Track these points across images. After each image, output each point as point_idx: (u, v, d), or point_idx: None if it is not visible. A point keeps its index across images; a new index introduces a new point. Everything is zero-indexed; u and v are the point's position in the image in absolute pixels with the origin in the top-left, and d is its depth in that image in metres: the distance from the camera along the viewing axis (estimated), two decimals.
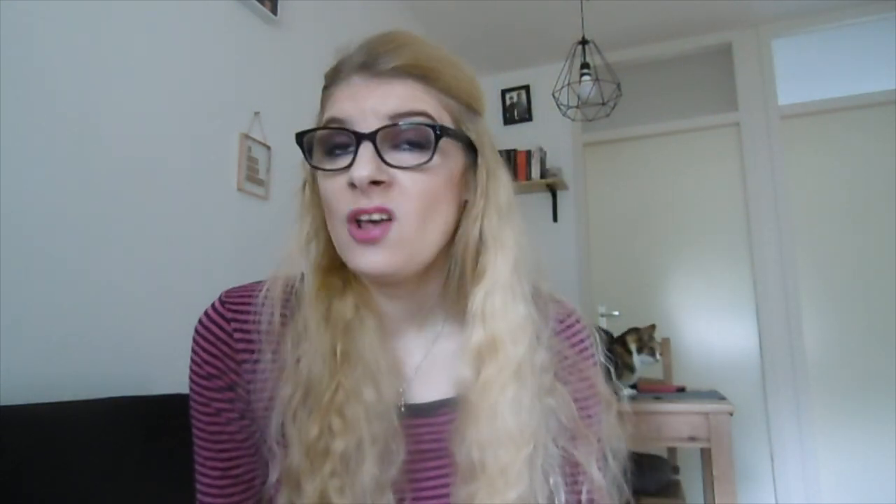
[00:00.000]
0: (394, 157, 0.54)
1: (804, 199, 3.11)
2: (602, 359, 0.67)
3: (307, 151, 0.58)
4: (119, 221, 1.38)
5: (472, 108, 0.60)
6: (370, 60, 0.55)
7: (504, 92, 3.66)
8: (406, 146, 0.55)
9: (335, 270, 0.60)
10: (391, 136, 0.54)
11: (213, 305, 0.62)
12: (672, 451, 2.68)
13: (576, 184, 3.46)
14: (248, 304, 0.61)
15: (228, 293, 0.63)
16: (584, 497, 0.60)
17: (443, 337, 0.64)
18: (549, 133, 3.50)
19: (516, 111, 3.64)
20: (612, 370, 0.67)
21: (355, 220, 0.54)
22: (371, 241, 0.53)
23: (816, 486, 2.90)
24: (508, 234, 0.60)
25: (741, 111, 3.25)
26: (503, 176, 0.62)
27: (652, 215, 3.38)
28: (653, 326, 2.18)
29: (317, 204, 0.61)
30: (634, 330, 2.17)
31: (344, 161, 0.54)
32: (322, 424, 0.55)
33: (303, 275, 0.61)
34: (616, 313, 2.87)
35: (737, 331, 3.16)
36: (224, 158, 1.75)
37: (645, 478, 2.24)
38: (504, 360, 0.56)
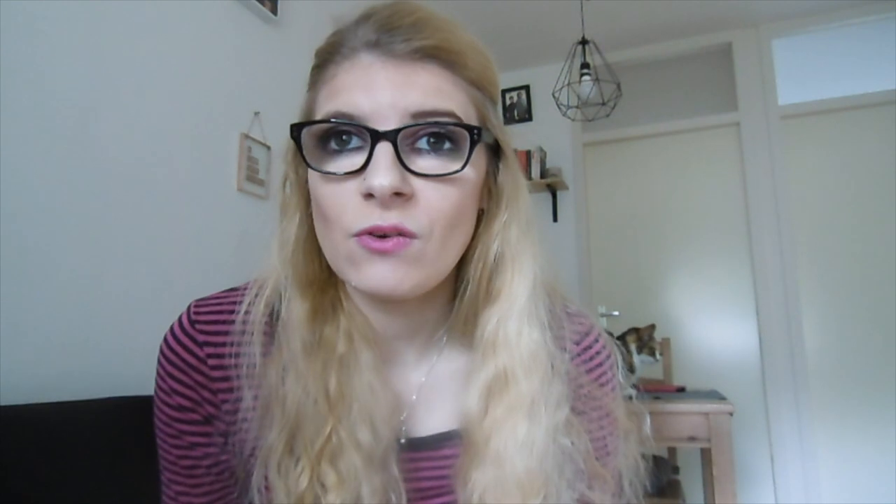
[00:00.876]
0: (418, 163, 0.45)
1: (804, 199, 3.11)
2: (622, 380, 0.59)
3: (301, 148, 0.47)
4: (119, 221, 1.38)
5: (494, 100, 0.52)
6: (384, 37, 0.45)
7: (504, 92, 3.66)
8: (431, 150, 0.45)
9: (323, 288, 0.52)
10: (413, 136, 0.45)
11: (180, 323, 0.53)
12: (672, 451, 2.68)
13: (576, 184, 3.46)
14: (224, 323, 0.52)
15: (199, 309, 0.53)
16: None
17: (443, 358, 0.56)
18: (549, 133, 3.50)
19: (516, 111, 3.64)
20: (633, 395, 0.60)
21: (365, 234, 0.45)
22: (383, 252, 0.44)
23: (816, 486, 2.89)
24: (528, 252, 0.52)
25: (741, 111, 3.25)
26: (524, 180, 0.54)
27: (652, 215, 3.38)
28: (653, 326, 2.18)
29: (300, 206, 0.52)
30: (634, 330, 2.17)
31: (350, 163, 0.44)
32: (312, 475, 0.47)
33: (284, 293, 0.52)
34: (616, 313, 2.86)
35: (737, 331, 3.16)
36: (224, 158, 1.75)
37: (645, 478, 2.24)
38: (516, 396, 0.49)
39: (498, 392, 0.50)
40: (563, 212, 3.46)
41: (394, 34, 0.45)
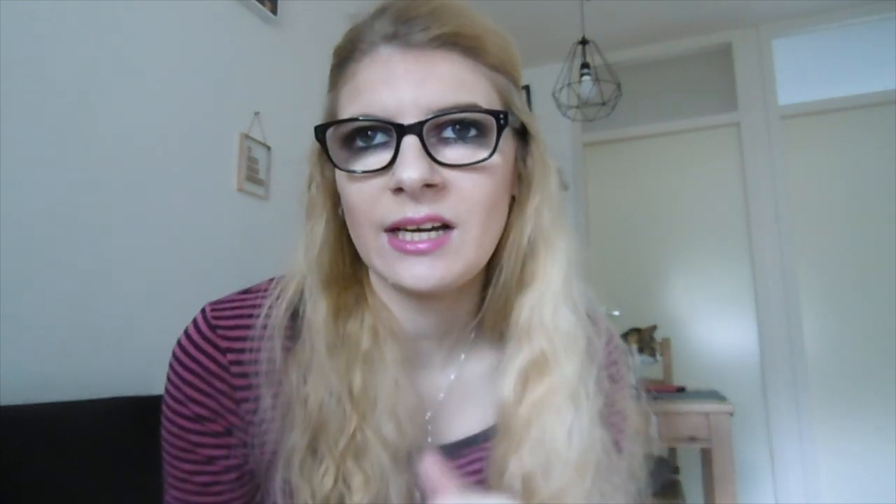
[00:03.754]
0: (446, 153, 0.44)
1: (804, 199, 3.11)
2: (633, 381, 0.59)
3: (327, 149, 0.46)
4: (119, 221, 1.38)
5: (517, 83, 0.50)
6: (402, 28, 0.44)
7: None
8: (458, 139, 0.44)
9: (346, 285, 0.50)
10: (438, 126, 0.44)
11: (198, 329, 0.50)
12: (672, 451, 2.68)
13: (576, 184, 3.46)
14: (245, 328, 0.49)
15: (217, 312, 0.50)
16: None
17: (471, 359, 0.54)
18: (549, 133, 3.41)
19: None
20: (644, 393, 0.59)
21: (396, 229, 0.44)
22: (421, 253, 0.43)
23: (816, 486, 2.89)
24: (561, 236, 0.51)
25: (741, 111, 3.25)
26: (553, 163, 0.52)
27: (652, 215, 3.38)
28: (654, 327, 2.18)
29: (327, 207, 0.51)
30: (636, 330, 2.17)
31: (377, 160, 0.44)
32: (337, 475, 0.45)
33: (307, 292, 0.50)
34: (616, 313, 2.86)
35: (737, 331, 3.16)
36: (224, 158, 1.75)
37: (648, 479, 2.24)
38: (558, 378, 0.47)
39: (536, 376, 0.48)
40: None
41: (411, 24, 0.44)
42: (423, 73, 0.43)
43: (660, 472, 2.34)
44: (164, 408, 0.51)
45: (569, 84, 2.59)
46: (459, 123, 0.44)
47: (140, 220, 1.44)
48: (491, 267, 0.51)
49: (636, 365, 2.10)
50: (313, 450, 0.46)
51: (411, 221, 0.43)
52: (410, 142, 0.42)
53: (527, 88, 3.61)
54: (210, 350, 0.49)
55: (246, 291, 0.53)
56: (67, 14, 1.29)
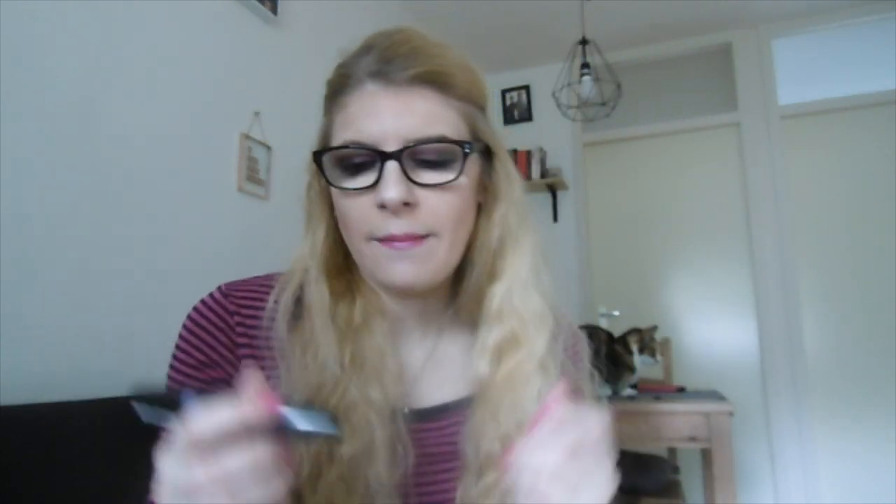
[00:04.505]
0: (420, 175, 0.53)
1: (804, 199, 3.11)
2: (590, 364, 0.66)
3: (323, 170, 0.55)
4: (119, 221, 1.38)
5: (483, 108, 0.59)
6: (384, 67, 0.52)
7: (504, 92, 3.66)
8: (430, 163, 0.53)
9: (342, 274, 0.59)
10: (415, 154, 0.53)
11: (212, 296, 0.58)
12: (672, 451, 2.68)
13: (576, 184, 3.46)
14: (253, 300, 0.58)
15: (229, 285, 0.60)
16: None
17: (446, 338, 0.63)
18: (549, 133, 3.50)
19: (516, 111, 3.64)
20: (596, 375, 0.66)
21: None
22: (401, 249, 0.52)
23: (816, 487, 2.89)
24: (526, 234, 0.59)
25: (741, 111, 3.25)
26: (516, 173, 0.61)
27: (652, 215, 3.38)
28: (654, 327, 2.18)
29: (325, 210, 0.59)
30: (636, 330, 2.17)
31: (365, 179, 0.53)
32: None
33: (307, 280, 0.58)
34: (616, 313, 2.86)
35: (737, 331, 3.16)
36: (224, 158, 1.75)
37: (645, 478, 2.24)
38: (528, 352, 0.56)
39: (509, 351, 0.56)
40: (563, 212, 3.47)
41: (392, 63, 0.52)
42: (402, 107, 0.52)
43: (660, 472, 2.34)
44: (172, 360, 0.57)
45: (569, 84, 2.59)
46: (434, 160, 0.53)
47: (140, 220, 1.44)
48: (464, 264, 0.60)
49: (636, 364, 2.10)
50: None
51: (394, 237, 0.52)
52: (392, 166, 0.51)
53: (527, 88, 3.62)
54: (219, 310, 0.57)
55: (255, 277, 0.62)
56: (68, 14, 1.29)
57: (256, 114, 1.87)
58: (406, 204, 0.52)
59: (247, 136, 1.82)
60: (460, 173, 0.53)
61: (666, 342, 2.77)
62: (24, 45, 1.19)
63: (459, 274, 0.60)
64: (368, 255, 0.54)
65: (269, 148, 1.91)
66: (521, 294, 0.57)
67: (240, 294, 0.58)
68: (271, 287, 0.58)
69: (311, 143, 0.59)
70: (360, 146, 0.52)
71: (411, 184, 0.52)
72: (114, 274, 1.36)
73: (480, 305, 0.59)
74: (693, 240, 3.28)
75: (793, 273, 3.05)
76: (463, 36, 3.27)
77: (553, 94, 2.65)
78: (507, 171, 0.60)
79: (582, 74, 2.56)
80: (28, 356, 1.15)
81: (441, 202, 0.53)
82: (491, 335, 0.57)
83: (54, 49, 1.26)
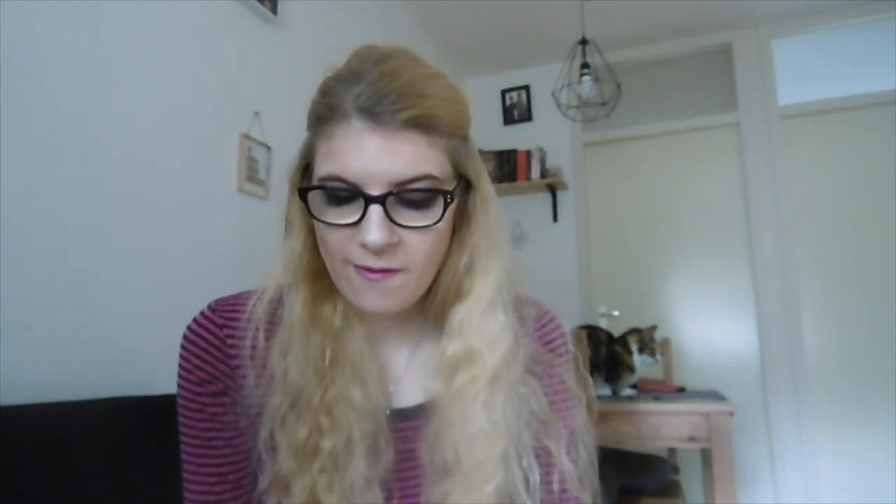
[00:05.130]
0: (402, 215, 0.54)
1: (804, 199, 3.11)
2: (573, 352, 0.69)
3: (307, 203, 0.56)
4: (119, 221, 1.38)
5: (466, 136, 0.60)
6: (374, 106, 0.52)
7: (504, 92, 3.66)
8: (413, 202, 0.54)
9: (322, 277, 0.60)
10: (399, 195, 0.54)
11: (202, 314, 0.63)
12: (672, 451, 2.68)
13: (576, 184, 3.46)
14: (239, 313, 0.62)
15: (218, 302, 0.63)
16: (555, 486, 0.62)
17: (424, 342, 0.66)
18: (549, 133, 3.50)
19: (516, 111, 3.64)
20: (580, 361, 0.69)
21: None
22: (374, 281, 0.54)
23: (816, 486, 2.89)
24: (495, 260, 0.61)
25: (741, 111, 3.25)
26: (492, 197, 0.62)
27: (652, 215, 3.38)
28: (654, 327, 2.18)
29: (302, 221, 0.60)
30: (636, 330, 2.17)
31: (348, 214, 0.53)
32: (311, 425, 0.56)
33: (290, 286, 0.61)
34: (616, 313, 2.86)
35: (737, 331, 3.16)
36: (224, 158, 1.75)
37: (645, 478, 2.24)
38: (480, 368, 0.58)
39: (464, 366, 0.59)
40: (563, 212, 3.46)
41: (381, 104, 0.51)
42: (389, 150, 0.52)
43: (660, 472, 2.34)
44: (178, 378, 0.62)
45: (569, 84, 2.59)
46: (417, 202, 0.54)
47: (140, 220, 1.44)
48: (435, 280, 0.61)
49: (636, 364, 2.10)
50: (293, 408, 0.57)
51: (370, 269, 0.54)
52: (375, 210, 0.52)
53: (527, 88, 3.62)
54: (210, 326, 0.61)
55: (245, 291, 0.65)
56: (68, 14, 1.29)
57: (256, 114, 1.87)
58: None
59: (247, 137, 1.82)
60: (441, 218, 0.54)
61: (666, 342, 2.76)
62: (24, 45, 1.19)
63: (430, 288, 0.62)
64: (343, 277, 0.56)
65: (268, 148, 1.91)
66: (482, 315, 0.59)
67: (226, 308, 0.62)
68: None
69: (291, 167, 0.63)
70: (345, 183, 0.53)
71: (393, 225, 0.53)
72: (114, 274, 1.36)
73: (444, 320, 0.62)
74: (693, 240, 3.28)
75: (793, 273, 3.05)
76: (463, 36, 3.27)
77: (553, 94, 2.65)
78: (483, 199, 0.61)
79: (582, 74, 2.56)
80: (28, 356, 1.15)
81: (420, 241, 0.54)
82: (448, 350, 0.59)
83: (54, 49, 1.26)
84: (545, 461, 0.62)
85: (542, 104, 3.52)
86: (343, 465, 0.56)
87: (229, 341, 0.61)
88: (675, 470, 2.58)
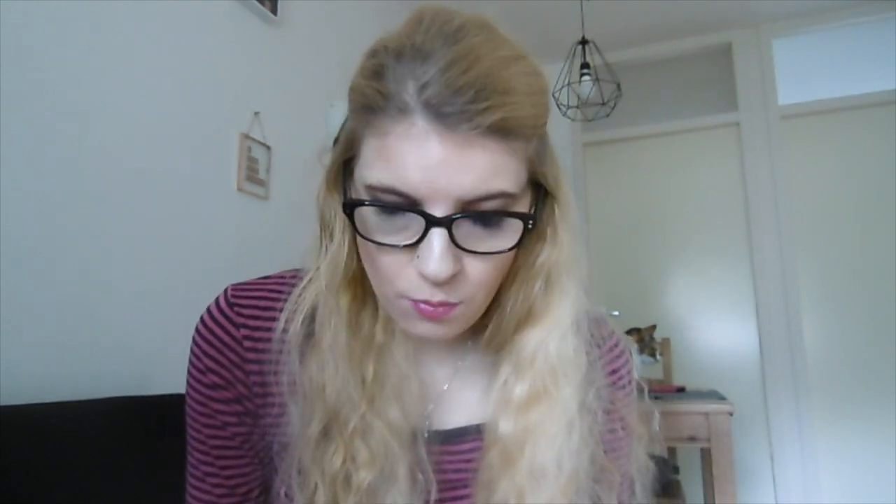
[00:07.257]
0: (468, 238, 0.44)
1: (804, 199, 3.11)
2: (637, 381, 0.62)
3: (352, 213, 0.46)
4: (119, 221, 1.38)
5: (545, 135, 0.51)
6: (444, 105, 0.41)
7: None
8: (481, 222, 0.45)
9: (361, 282, 0.52)
10: (465, 216, 0.44)
11: (218, 305, 0.54)
12: (672, 451, 2.68)
13: (576, 184, 3.46)
14: (262, 309, 0.54)
15: (236, 292, 0.55)
16: None
17: (469, 356, 0.58)
18: (549, 133, 3.49)
19: None
20: (646, 390, 0.61)
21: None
22: (430, 317, 0.47)
23: (816, 486, 2.89)
24: (573, 278, 0.52)
25: (741, 111, 3.25)
26: (572, 206, 0.53)
27: (652, 215, 3.38)
28: (653, 327, 2.18)
29: (342, 227, 0.51)
30: (636, 330, 2.17)
31: (403, 232, 0.44)
32: (346, 454, 0.49)
33: (323, 293, 0.52)
34: (616, 313, 2.86)
35: (737, 331, 3.16)
36: (224, 158, 1.75)
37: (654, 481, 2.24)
38: (552, 406, 0.50)
39: (535, 402, 0.51)
40: None
41: (454, 101, 0.41)
42: (458, 161, 0.41)
43: (660, 472, 2.34)
44: (188, 376, 0.55)
45: (569, 84, 2.59)
46: (488, 222, 0.45)
47: (140, 220, 1.44)
48: (495, 299, 0.52)
49: (637, 363, 2.10)
50: (325, 433, 0.50)
51: (429, 303, 0.45)
52: (438, 234, 0.43)
53: None
54: (225, 324, 0.54)
55: (266, 278, 0.57)
56: (67, 14, 1.29)
57: (256, 114, 1.87)
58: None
59: (247, 136, 1.82)
60: (515, 246, 0.46)
61: (666, 342, 2.77)
62: (24, 44, 1.19)
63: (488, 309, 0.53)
64: (395, 307, 0.48)
65: (268, 148, 1.91)
66: (559, 342, 0.51)
67: (246, 303, 0.54)
68: (280, 293, 0.54)
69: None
70: (401, 197, 0.43)
71: (459, 251, 0.44)
72: (114, 273, 1.36)
73: (510, 339, 0.53)
74: (693, 239, 3.28)
75: (793, 273, 3.05)
76: None
77: (553, 94, 2.64)
78: (564, 210, 0.52)
79: (582, 74, 2.56)
80: (28, 356, 1.15)
81: (486, 268, 0.46)
82: (519, 384, 0.51)
83: (53, 49, 1.25)
84: None
85: None
86: (380, 500, 0.49)
87: (246, 343, 0.53)
88: (675, 470, 2.58)
